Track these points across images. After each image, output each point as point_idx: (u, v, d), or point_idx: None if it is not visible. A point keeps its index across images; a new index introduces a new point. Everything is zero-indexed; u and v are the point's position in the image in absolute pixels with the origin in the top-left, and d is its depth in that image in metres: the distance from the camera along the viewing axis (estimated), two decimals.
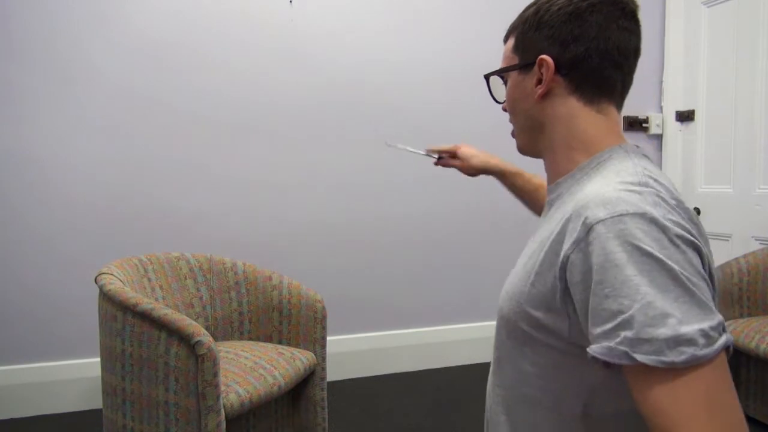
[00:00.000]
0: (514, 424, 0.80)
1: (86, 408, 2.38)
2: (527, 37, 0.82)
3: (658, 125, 3.16)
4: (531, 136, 0.86)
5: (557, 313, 0.70)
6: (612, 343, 0.61)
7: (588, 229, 0.65)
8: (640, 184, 0.68)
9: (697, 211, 3.00)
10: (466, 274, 2.92)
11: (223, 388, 1.58)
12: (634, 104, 3.12)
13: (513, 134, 0.90)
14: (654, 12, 3.14)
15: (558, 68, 0.79)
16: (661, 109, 3.18)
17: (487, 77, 0.92)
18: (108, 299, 1.62)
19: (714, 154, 2.94)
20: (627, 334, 0.60)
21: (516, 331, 0.77)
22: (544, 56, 0.79)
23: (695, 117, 3.03)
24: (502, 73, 0.88)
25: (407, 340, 2.82)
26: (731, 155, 2.84)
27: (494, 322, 3.26)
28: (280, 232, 2.64)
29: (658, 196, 0.66)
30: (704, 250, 0.66)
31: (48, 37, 2.31)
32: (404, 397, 2.51)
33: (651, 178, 0.70)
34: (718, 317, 0.61)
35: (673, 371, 0.59)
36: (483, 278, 2.92)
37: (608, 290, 0.62)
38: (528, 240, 0.91)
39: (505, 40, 0.88)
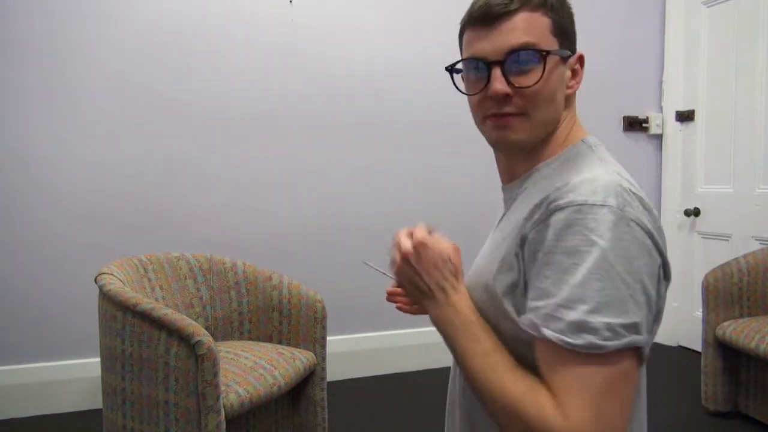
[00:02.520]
0: (470, 410, 0.84)
1: (86, 408, 2.38)
2: (566, 25, 0.77)
3: (658, 125, 3.16)
4: (546, 129, 0.78)
5: (519, 293, 0.72)
6: (533, 316, 0.66)
7: (550, 213, 0.68)
8: (608, 173, 0.70)
9: (697, 211, 3.00)
10: (466, 273, 2.92)
11: (223, 388, 1.58)
12: (634, 104, 3.12)
13: (509, 122, 0.77)
14: (654, 12, 3.14)
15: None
16: (661, 109, 3.18)
17: (545, 55, 0.74)
18: (108, 299, 1.62)
19: (714, 154, 2.94)
20: (545, 310, 0.65)
21: (482, 315, 0.77)
22: (582, 52, 0.80)
23: (695, 117, 3.03)
24: (555, 54, 0.76)
25: (407, 340, 2.82)
26: (731, 155, 2.84)
27: None
28: (280, 232, 2.64)
29: (621, 187, 0.68)
30: (659, 246, 0.68)
31: (52, 36, 2.31)
32: (404, 397, 2.51)
33: (616, 171, 0.72)
34: (636, 318, 0.63)
35: (571, 352, 0.63)
36: None
37: (550, 272, 0.66)
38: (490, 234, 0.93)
39: (518, 9, 0.74)
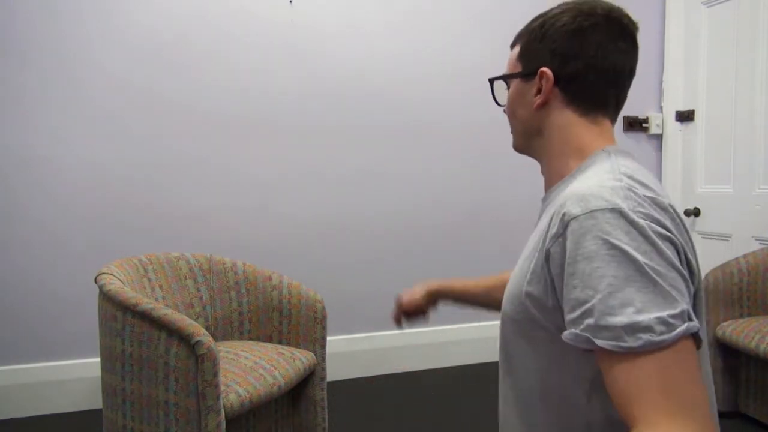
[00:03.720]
0: (528, 422, 0.82)
1: (86, 408, 2.38)
2: (531, 47, 0.86)
3: (658, 125, 3.16)
4: (527, 139, 0.91)
5: (551, 306, 0.74)
6: (578, 330, 0.67)
7: (565, 225, 0.70)
8: (614, 179, 0.73)
9: (697, 211, 3.00)
10: (467, 273, 2.91)
11: (223, 388, 1.58)
12: (634, 104, 3.12)
13: (511, 132, 0.95)
14: (654, 12, 3.14)
15: (557, 81, 0.84)
16: (661, 109, 3.18)
17: (491, 81, 0.96)
18: (108, 299, 1.62)
19: (714, 154, 2.94)
20: (589, 321, 0.65)
21: (520, 331, 0.81)
22: (544, 69, 0.84)
23: (695, 117, 3.03)
24: (505, 78, 0.93)
25: (407, 340, 2.82)
26: (731, 155, 2.84)
27: (494, 322, 3.25)
28: (280, 232, 2.64)
29: (629, 190, 0.70)
30: (678, 240, 0.70)
31: (52, 36, 2.31)
32: (404, 397, 2.51)
33: (626, 174, 0.74)
34: (682, 306, 0.65)
35: (632, 354, 0.63)
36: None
37: (577, 281, 0.67)
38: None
39: (512, 46, 0.92)
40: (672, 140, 3.14)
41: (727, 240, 2.86)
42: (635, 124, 3.13)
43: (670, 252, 0.67)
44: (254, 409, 1.74)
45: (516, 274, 0.82)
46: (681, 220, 0.73)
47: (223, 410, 1.53)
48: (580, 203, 0.70)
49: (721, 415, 2.24)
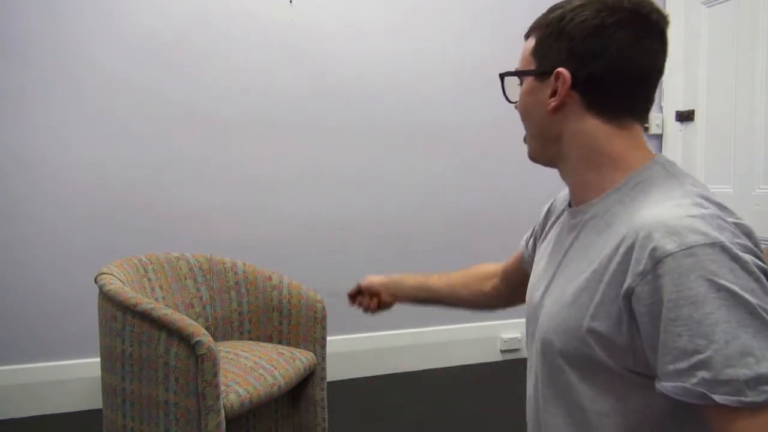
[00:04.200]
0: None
1: (86, 408, 2.37)
2: (547, 44, 0.78)
3: (658, 125, 3.16)
4: (543, 145, 0.83)
5: (623, 344, 0.67)
6: (688, 384, 0.60)
7: (656, 262, 0.62)
8: (695, 204, 0.66)
9: None
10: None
11: (223, 388, 1.58)
12: None
13: (525, 140, 0.87)
14: None
15: (574, 84, 0.75)
16: (661, 109, 3.18)
17: (502, 76, 0.87)
18: (108, 299, 1.62)
19: (714, 154, 2.94)
20: (705, 375, 0.59)
21: (574, 366, 0.74)
22: (561, 70, 0.75)
23: (695, 117, 3.03)
24: (517, 75, 0.84)
25: (407, 340, 2.82)
26: (731, 155, 2.84)
27: (494, 322, 3.24)
28: (280, 232, 2.64)
29: (720, 218, 0.64)
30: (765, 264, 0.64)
31: (51, 36, 2.31)
32: (404, 397, 2.51)
33: (704, 197, 0.67)
34: None
35: (755, 410, 0.58)
36: None
37: (682, 328, 0.60)
38: (539, 266, 0.88)
39: (526, 37, 0.83)
40: (672, 140, 3.14)
41: None
42: None
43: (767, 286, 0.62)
44: (254, 409, 1.74)
45: (567, 304, 0.74)
46: (759, 242, 0.67)
47: (223, 410, 1.53)
48: (673, 237, 0.62)
49: None
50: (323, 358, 1.97)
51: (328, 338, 2.04)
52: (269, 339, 2.06)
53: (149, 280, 1.96)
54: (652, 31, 0.75)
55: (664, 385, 0.63)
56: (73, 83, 2.35)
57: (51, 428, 2.23)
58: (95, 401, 2.35)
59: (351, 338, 2.75)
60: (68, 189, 2.37)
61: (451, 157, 2.86)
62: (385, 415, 2.34)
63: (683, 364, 0.61)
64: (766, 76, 2.67)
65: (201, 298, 2.08)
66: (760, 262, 0.62)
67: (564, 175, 0.83)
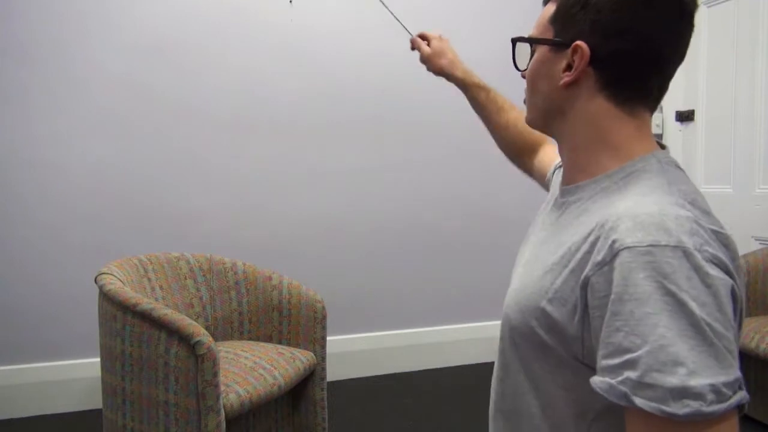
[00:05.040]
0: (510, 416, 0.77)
1: (86, 408, 2.37)
2: (570, 13, 0.72)
3: (658, 125, 3.16)
4: (545, 118, 0.79)
5: (573, 334, 0.66)
6: (614, 381, 0.58)
7: (614, 253, 0.60)
8: (677, 204, 0.63)
9: None
10: (466, 273, 2.92)
11: (223, 388, 1.58)
12: None
13: (525, 102, 0.83)
14: None
15: (592, 60, 0.70)
16: (661, 109, 3.18)
17: (514, 42, 0.81)
18: (108, 299, 1.62)
19: (714, 154, 2.94)
20: (631, 374, 0.57)
21: (526, 343, 0.73)
22: (580, 43, 0.70)
23: (695, 117, 3.03)
24: (532, 42, 0.78)
25: (407, 340, 2.82)
26: (731, 155, 2.84)
27: (494, 322, 3.24)
28: (280, 232, 2.64)
29: (696, 223, 0.61)
30: (739, 288, 0.61)
31: (52, 36, 2.31)
32: (404, 397, 2.51)
33: (689, 200, 0.64)
34: (736, 373, 0.56)
35: (672, 422, 0.55)
36: (483, 278, 2.92)
37: (621, 323, 0.58)
38: (529, 237, 0.86)
39: (545, 1, 0.78)
40: (672, 140, 3.14)
41: None
42: None
43: (728, 305, 0.58)
44: (254, 409, 1.74)
45: (531, 282, 0.72)
46: (736, 253, 0.64)
47: (223, 410, 1.53)
48: (637, 231, 0.59)
49: None
50: (323, 358, 1.97)
51: (328, 338, 2.04)
52: (269, 339, 2.06)
53: (149, 280, 1.96)
54: (683, 12, 0.69)
55: (594, 380, 0.61)
56: (73, 83, 2.35)
57: (51, 428, 2.23)
58: (95, 401, 2.35)
59: (351, 338, 2.75)
60: (69, 189, 2.37)
61: (452, 157, 2.86)
62: (385, 415, 2.34)
63: (614, 361, 0.58)
64: (766, 76, 2.67)
65: (201, 298, 2.08)
66: (725, 276, 0.59)
67: (560, 151, 0.81)
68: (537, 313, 0.69)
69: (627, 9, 0.68)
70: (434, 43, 1.33)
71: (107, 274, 1.73)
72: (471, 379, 2.72)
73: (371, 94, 2.73)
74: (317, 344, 1.98)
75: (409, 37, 1.38)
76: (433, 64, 1.33)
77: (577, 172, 0.76)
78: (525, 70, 0.80)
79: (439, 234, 2.87)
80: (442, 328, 2.87)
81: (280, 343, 2.03)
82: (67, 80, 2.34)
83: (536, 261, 0.75)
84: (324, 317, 1.98)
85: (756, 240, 2.72)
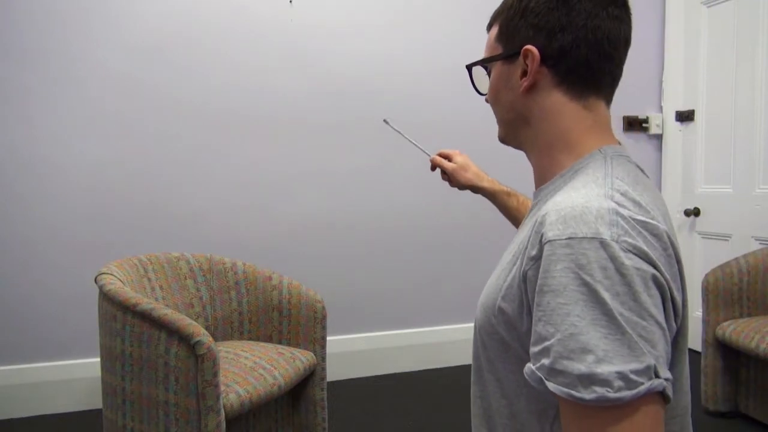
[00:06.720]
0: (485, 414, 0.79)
1: (86, 408, 2.38)
2: (512, 24, 0.77)
3: (657, 125, 3.16)
4: (513, 129, 0.82)
5: (524, 329, 0.67)
6: (534, 367, 0.61)
7: (541, 247, 0.63)
8: (603, 195, 0.64)
9: (697, 211, 3.00)
10: (466, 273, 2.92)
11: (223, 388, 1.58)
12: (634, 104, 3.11)
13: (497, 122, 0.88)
14: (654, 12, 3.14)
15: (544, 59, 0.74)
16: (661, 109, 3.18)
17: (469, 67, 0.87)
18: (108, 299, 1.62)
19: (714, 154, 2.94)
20: (545, 361, 0.60)
21: (491, 342, 0.75)
22: (529, 46, 0.74)
23: (695, 117, 3.03)
24: (485, 63, 0.84)
25: (407, 340, 2.82)
26: (731, 155, 2.84)
27: None
28: (280, 232, 2.64)
29: (617, 213, 0.61)
30: (665, 278, 0.62)
31: (53, 35, 2.31)
32: (404, 397, 2.51)
33: (618, 190, 0.65)
34: (648, 361, 0.57)
35: (583, 407, 0.58)
36: (483, 278, 2.90)
37: (541, 314, 0.61)
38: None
39: (489, 28, 0.84)
40: (672, 140, 3.14)
41: (727, 240, 2.86)
42: (635, 124, 3.13)
43: (648, 295, 0.59)
44: (254, 409, 1.74)
45: (492, 283, 0.75)
46: (674, 249, 0.65)
47: (223, 410, 1.53)
48: (559, 225, 0.62)
49: (721, 415, 2.24)
50: (323, 358, 1.97)
51: (328, 338, 2.04)
52: (269, 339, 2.06)
53: (149, 280, 1.96)
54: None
55: (525, 367, 0.63)
56: (73, 83, 2.35)
57: (51, 428, 2.23)
58: (95, 401, 2.36)
59: (351, 338, 2.75)
60: (69, 188, 2.37)
61: None
62: (385, 415, 2.34)
63: (535, 348, 0.61)
64: (766, 76, 2.67)
65: (201, 298, 2.08)
66: (645, 266, 0.60)
67: (529, 159, 0.84)
68: (495, 311, 0.71)
69: (562, 5, 0.73)
70: (458, 158, 1.39)
71: (107, 274, 1.73)
72: (471, 379, 2.72)
73: (371, 94, 2.73)
74: (317, 344, 1.98)
75: (428, 157, 1.39)
76: (458, 178, 1.38)
77: (541, 179, 0.79)
78: (486, 94, 0.85)
79: (439, 234, 2.87)
80: (442, 328, 2.87)
81: (280, 343, 2.03)
82: (68, 80, 2.35)
83: (499, 264, 0.78)
84: (324, 317, 1.99)
85: (756, 240, 2.72)
